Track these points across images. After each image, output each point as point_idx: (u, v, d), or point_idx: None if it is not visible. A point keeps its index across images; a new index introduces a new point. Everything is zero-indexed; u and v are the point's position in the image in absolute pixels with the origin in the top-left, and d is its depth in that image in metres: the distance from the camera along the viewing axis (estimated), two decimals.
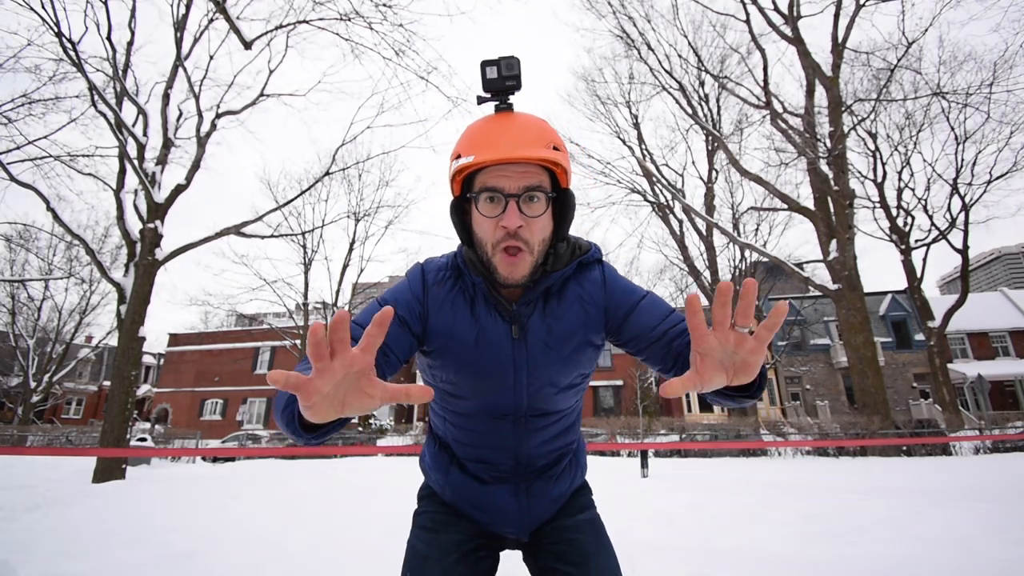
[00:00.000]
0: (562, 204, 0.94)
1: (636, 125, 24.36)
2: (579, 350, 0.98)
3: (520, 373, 0.96)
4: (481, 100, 0.93)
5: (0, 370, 29.19)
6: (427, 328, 0.96)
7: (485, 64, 0.90)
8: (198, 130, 10.51)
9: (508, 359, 0.95)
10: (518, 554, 1.15)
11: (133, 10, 10.07)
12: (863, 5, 15.93)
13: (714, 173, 25.12)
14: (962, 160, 19.55)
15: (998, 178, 19.08)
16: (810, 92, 16.44)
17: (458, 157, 0.88)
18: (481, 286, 0.95)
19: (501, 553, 1.13)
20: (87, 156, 10.93)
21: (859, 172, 20.94)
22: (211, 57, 10.81)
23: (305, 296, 21.94)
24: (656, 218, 24.72)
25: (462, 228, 0.95)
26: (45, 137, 10.61)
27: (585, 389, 1.10)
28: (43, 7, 8.51)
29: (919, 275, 20.74)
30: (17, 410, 27.36)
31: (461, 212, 0.95)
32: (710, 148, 25.00)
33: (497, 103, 0.92)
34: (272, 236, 11.83)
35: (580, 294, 0.98)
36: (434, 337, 0.96)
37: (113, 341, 26.96)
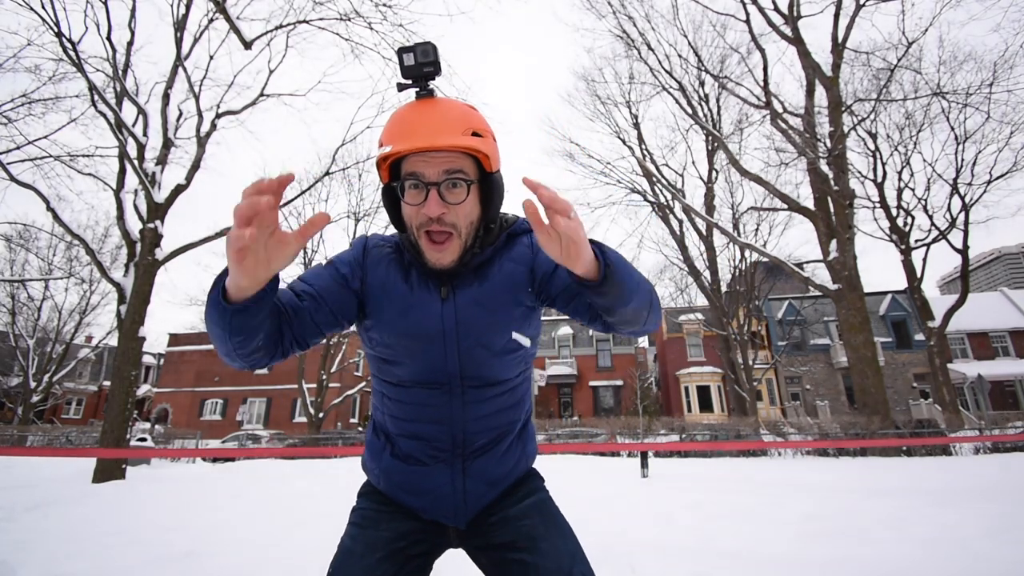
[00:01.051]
0: (489, 188, 0.94)
1: (636, 125, 24.38)
2: (508, 308, 0.99)
3: (449, 333, 0.97)
4: (401, 87, 0.93)
5: (0, 370, 29.19)
6: (365, 286, 1.00)
7: (402, 51, 0.90)
8: (198, 130, 10.51)
9: (437, 318, 0.97)
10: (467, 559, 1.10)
11: (133, 10, 10.06)
12: (863, 5, 15.93)
13: (714, 173, 25.14)
14: (962, 160, 19.54)
15: (998, 178, 19.07)
16: (810, 92, 16.43)
17: (381, 146, 0.89)
18: (416, 262, 0.99)
19: (443, 555, 1.09)
20: (87, 156, 10.94)
21: (859, 172, 20.93)
22: (211, 57, 10.82)
23: None
24: (656, 218, 24.76)
25: (393, 213, 0.97)
26: (45, 137, 10.63)
27: (529, 362, 1.09)
28: (43, 7, 8.52)
29: (919, 275, 20.73)
30: (17, 410, 27.36)
31: (393, 196, 0.96)
32: (710, 148, 25.02)
33: (417, 90, 0.92)
34: None
35: (510, 257, 1.01)
36: (370, 296, 1.00)
37: (113, 341, 26.95)
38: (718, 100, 22.97)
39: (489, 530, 1.03)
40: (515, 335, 1.01)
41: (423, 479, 1.02)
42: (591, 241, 0.78)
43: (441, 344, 0.97)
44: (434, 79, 0.92)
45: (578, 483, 6.98)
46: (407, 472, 1.03)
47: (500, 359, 1.01)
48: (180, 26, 9.97)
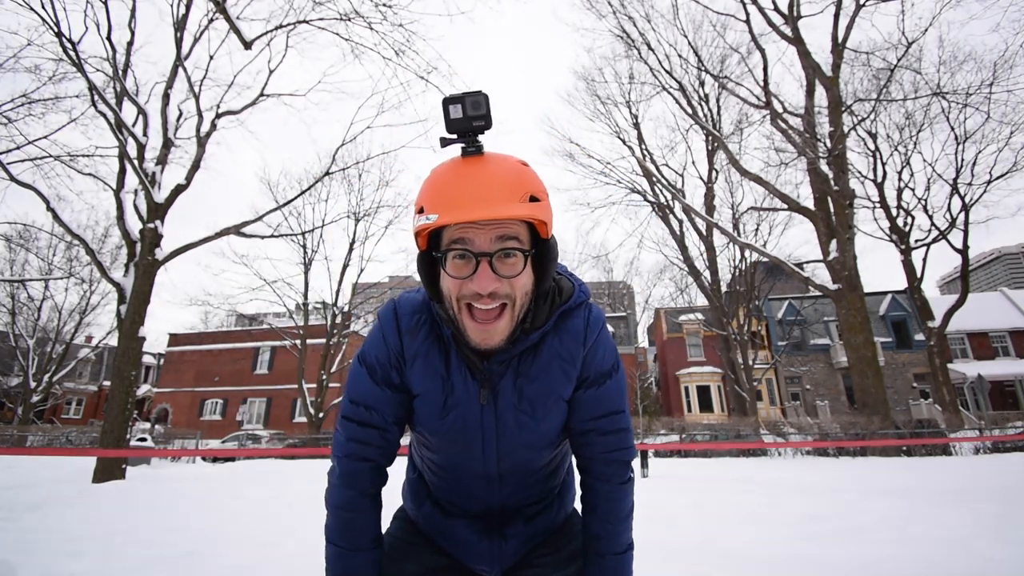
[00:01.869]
0: (543, 255, 0.83)
1: (636, 125, 24.39)
2: (552, 411, 0.92)
3: (489, 440, 0.91)
4: (445, 142, 0.81)
5: (0, 370, 29.20)
6: (405, 379, 0.92)
7: (448, 102, 0.78)
8: (198, 130, 10.52)
9: (476, 424, 0.90)
10: None
11: (133, 10, 10.07)
12: (863, 5, 15.93)
13: (714, 173, 25.15)
14: (962, 160, 19.55)
15: (998, 178, 19.08)
16: (810, 92, 16.44)
17: (421, 210, 0.78)
18: (455, 339, 0.88)
19: None
20: (87, 156, 10.94)
21: (859, 172, 20.94)
22: (211, 57, 10.82)
23: (305, 296, 21.95)
24: (656, 218, 24.79)
25: (430, 282, 0.84)
26: (45, 137, 10.63)
27: (567, 440, 1.03)
28: (43, 7, 8.52)
29: (919, 275, 20.74)
30: (17, 410, 27.37)
31: (429, 263, 0.84)
32: (710, 148, 25.02)
33: (464, 146, 0.80)
34: (272, 236, 11.83)
35: (558, 351, 0.89)
36: (411, 387, 0.92)
37: (113, 341, 26.96)
38: (718, 100, 23.00)
39: None
40: (556, 429, 0.95)
41: (459, 533, 1.00)
42: None
43: (480, 448, 0.92)
44: (483, 133, 0.80)
45: (578, 483, 6.95)
46: (445, 525, 1.01)
47: (541, 452, 0.97)
48: (180, 26, 9.97)
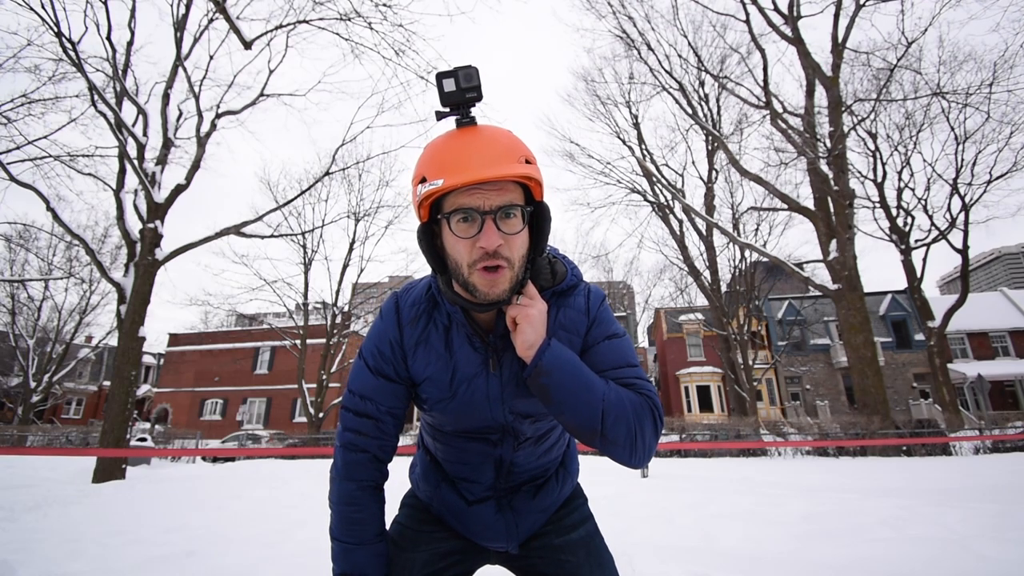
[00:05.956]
0: (538, 218, 0.88)
1: (636, 125, 24.38)
2: None
3: (496, 407, 0.94)
4: (440, 116, 0.85)
5: (0, 370, 29.20)
6: (408, 371, 0.96)
7: (441, 76, 0.82)
8: (198, 130, 10.52)
9: (483, 395, 0.93)
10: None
11: (133, 10, 10.07)
12: (863, 5, 15.92)
13: (714, 173, 25.14)
14: (962, 160, 19.54)
15: (998, 178, 19.07)
16: (810, 92, 16.43)
17: (422, 180, 0.82)
18: (457, 315, 0.92)
19: (484, 568, 1.09)
20: (87, 156, 10.95)
21: (859, 172, 20.93)
22: (211, 57, 10.82)
23: (305, 296, 21.95)
24: (656, 218, 24.80)
25: (432, 254, 0.88)
26: (45, 137, 10.63)
27: None
28: (43, 7, 8.53)
29: (919, 275, 20.73)
30: (17, 410, 27.37)
31: (430, 236, 0.88)
32: (710, 148, 25.01)
33: (458, 117, 0.85)
34: (272, 236, 11.84)
35: (562, 322, 0.93)
36: (415, 377, 0.96)
37: (113, 341, 26.97)
38: (718, 100, 22.99)
39: (531, 553, 1.04)
40: None
41: (474, 516, 1.03)
42: (552, 345, 0.85)
43: (488, 417, 0.95)
44: (475, 105, 0.85)
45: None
46: (460, 508, 1.04)
47: (545, 420, 1.00)
48: (180, 26, 9.98)
